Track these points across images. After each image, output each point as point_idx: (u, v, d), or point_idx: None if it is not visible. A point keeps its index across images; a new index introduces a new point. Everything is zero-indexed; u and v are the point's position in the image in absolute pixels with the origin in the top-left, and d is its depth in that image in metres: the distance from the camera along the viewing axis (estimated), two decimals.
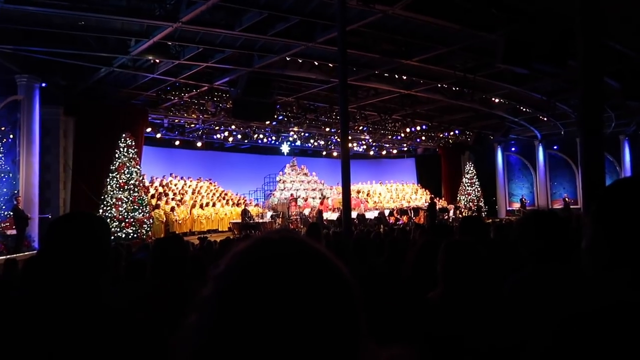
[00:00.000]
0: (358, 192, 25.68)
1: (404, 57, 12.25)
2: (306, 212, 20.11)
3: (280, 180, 23.76)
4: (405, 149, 28.34)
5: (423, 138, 23.33)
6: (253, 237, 0.78)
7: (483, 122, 21.93)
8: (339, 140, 21.70)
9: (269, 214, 19.95)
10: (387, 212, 20.59)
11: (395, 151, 28.49)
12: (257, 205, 21.72)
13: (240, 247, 0.76)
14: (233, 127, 20.13)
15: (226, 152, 24.40)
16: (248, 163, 25.22)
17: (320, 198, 22.59)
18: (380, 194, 26.12)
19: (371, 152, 27.50)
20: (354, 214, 17.93)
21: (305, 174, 25.87)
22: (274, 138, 22.49)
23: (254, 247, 0.75)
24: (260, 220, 18.58)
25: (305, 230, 5.52)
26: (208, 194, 20.80)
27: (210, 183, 22.18)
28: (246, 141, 21.96)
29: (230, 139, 21.14)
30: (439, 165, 26.42)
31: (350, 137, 20.75)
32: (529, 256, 1.97)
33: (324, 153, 26.16)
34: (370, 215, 19.87)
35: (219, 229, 19.38)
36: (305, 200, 21.91)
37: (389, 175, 28.63)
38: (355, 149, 26.35)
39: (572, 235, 1.96)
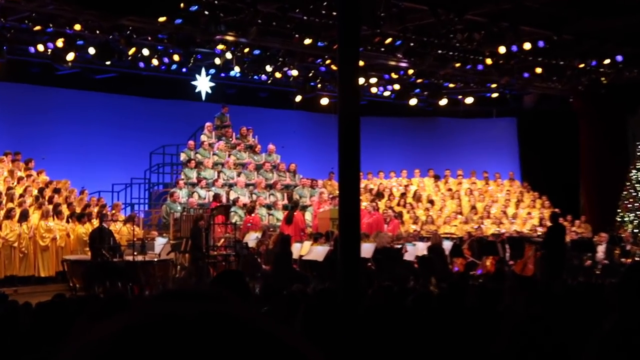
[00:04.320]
0: (377, 194, 25.89)
1: None
2: (251, 238, 20.29)
3: (189, 160, 23.86)
4: (495, 95, 28.55)
5: (538, 71, 23.39)
6: (127, 315, 0.85)
7: None
8: (334, 69, 21.76)
9: (160, 240, 20.05)
10: (447, 246, 20.85)
11: (470, 100, 28.73)
12: (130, 218, 21.69)
13: (95, 339, 0.83)
14: (77, 28, 20.00)
15: (59, 87, 24.57)
16: (113, 117, 25.34)
17: (287, 207, 22.72)
18: (432, 201, 26.42)
19: (412, 102, 27.69)
20: (367, 248, 18.10)
21: (252, 148, 26.00)
22: (176, 59, 22.61)
23: (129, 348, 0.80)
24: (138, 258, 18.55)
25: (212, 281, 5.59)
26: (11, 189, 20.68)
27: (14, 162, 22.13)
28: (108, 63, 22.03)
29: (70, 56, 21.00)
30: (573, 137, 26.75)
31: (362, 63, 20.78)
32: None
33: (299, 99, 26.20)
34: (409, 252, 20.05)
35: (38, 274, 19.56)
36: (251, 210, 22.08)
37: (456, 159, 28.94)
38: (373, 91, 26.58)
39: None
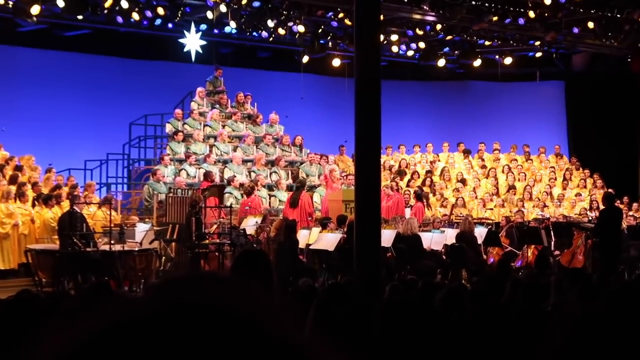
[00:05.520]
0: (398, 172, 26.11)
1: None
2: (250, 224, 20.47)
3: (176, 132, 24.03)
4: (538, 54, 28.65)
5: (590, 26, 23.30)
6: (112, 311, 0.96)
7: None
8: (349, 24, 21.60)
9: (142, 227, 20.17)
10: (480, 233, 20.99)
11: (509, 61, 28.83)
12: (106, 201, 21.50)
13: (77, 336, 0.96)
14: None
15: (21, 46, 24.68)
16: (86, 81, 25.40)
17: (292, 187, 22.83)
18: (463, 180, 26.61)
19: (440, 63, 27.86)
20: (387, 235, 18.27)
21: (251, 117, 26.22)
22: (161, 13, 22.64)
23: None
24: (115, 247, 18.68)
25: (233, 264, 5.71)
26: None
27: None
28: (80, 18, 21.97)
29: (35, 10, 20.96)
30: (631, 104, 26.81)
31: (383, 17, 20.46)
32: None
33: (306, 60, 26.36)
34: (436, 239, 20.25)
35: None
36: (250, 191, 22.07)
37: (491, 130, 29.07)
38: (394, 50, 26.64)
39: None
